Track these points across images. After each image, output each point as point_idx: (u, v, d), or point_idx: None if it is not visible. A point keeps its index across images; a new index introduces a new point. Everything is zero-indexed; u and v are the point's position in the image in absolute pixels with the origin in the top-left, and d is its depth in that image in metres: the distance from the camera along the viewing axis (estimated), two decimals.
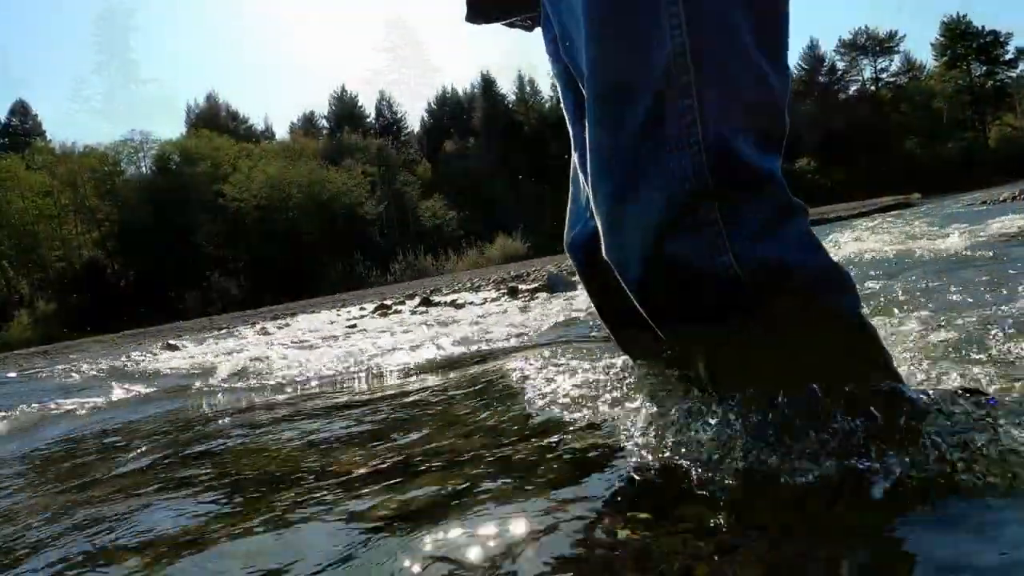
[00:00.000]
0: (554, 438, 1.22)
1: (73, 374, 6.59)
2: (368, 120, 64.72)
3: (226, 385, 3.50)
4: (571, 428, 1.26)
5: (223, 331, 12.04)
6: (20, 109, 62.23)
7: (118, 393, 3.75)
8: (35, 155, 57.38)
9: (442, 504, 0.94)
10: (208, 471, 1.47)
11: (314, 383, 2.89)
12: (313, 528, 0.94)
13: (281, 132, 66.31)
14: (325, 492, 1.10)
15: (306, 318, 12.07)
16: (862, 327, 0.87)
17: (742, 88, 0.82)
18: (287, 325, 10.71)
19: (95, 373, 6.24)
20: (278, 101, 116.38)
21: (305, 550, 0.87)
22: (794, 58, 69.39)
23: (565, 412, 1.37)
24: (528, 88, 65.94)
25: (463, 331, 4.39)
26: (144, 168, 59.36)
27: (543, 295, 7.63)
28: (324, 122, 65.19)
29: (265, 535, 0.94)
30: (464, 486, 1.01)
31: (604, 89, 0.86)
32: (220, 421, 2.20)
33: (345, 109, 64.13)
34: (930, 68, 60.22)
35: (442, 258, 46.25)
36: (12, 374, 8.92)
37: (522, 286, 10.05)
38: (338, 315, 11.00)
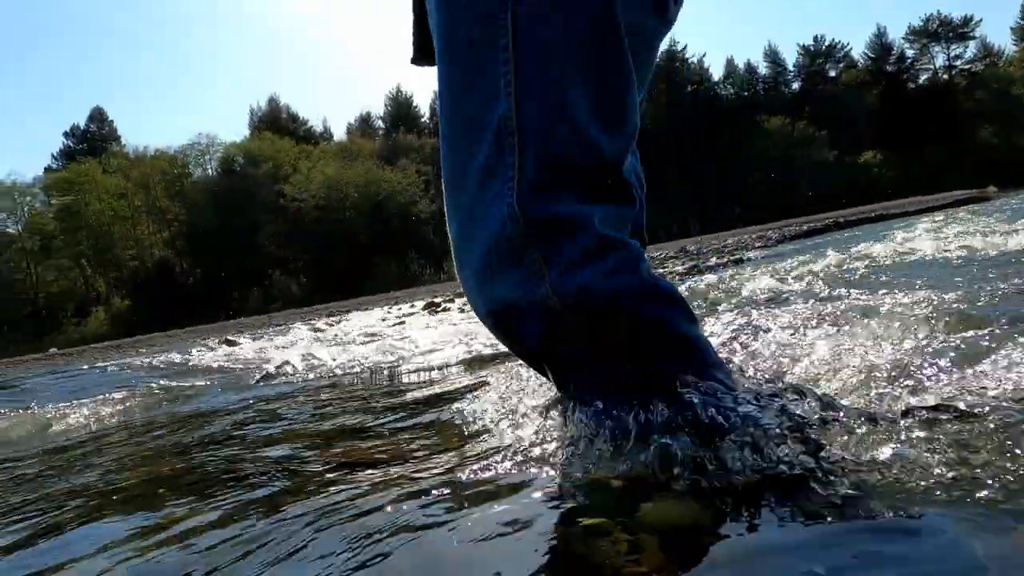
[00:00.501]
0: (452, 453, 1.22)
1: (126, 368, 6.91)
2: (423, 120, 65.63)
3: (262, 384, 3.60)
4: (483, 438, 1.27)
5: (280, 327, 12.42)
6: (97, 115, 65.72)
7: (162, 384, 3.91)
8: (111, 159, 60.59)
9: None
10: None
11: (334, 377, 2.95)
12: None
13: (339, 133, 68.00)
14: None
15: (359, 315, 12.34)
16: (689, 339, 0.96)
17: (563, 154, 0.91)
18: (339, 322, 10.96)
19: (158, 365, 6.54)
20: (336, 103, 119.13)
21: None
22: (859, 47, 66.68)
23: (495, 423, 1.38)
24: None
25: None
26: (210, 170, 61.90)
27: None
28: (380, 123, 66.49)
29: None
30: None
31: (451, 140, 0.98)
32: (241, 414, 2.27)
33: (400, 109, 65.21)
34: (1009, 54, 57.00)
35: None
36: (84, 366, 9.44)
37: None
38: (388, 312, 11.19)
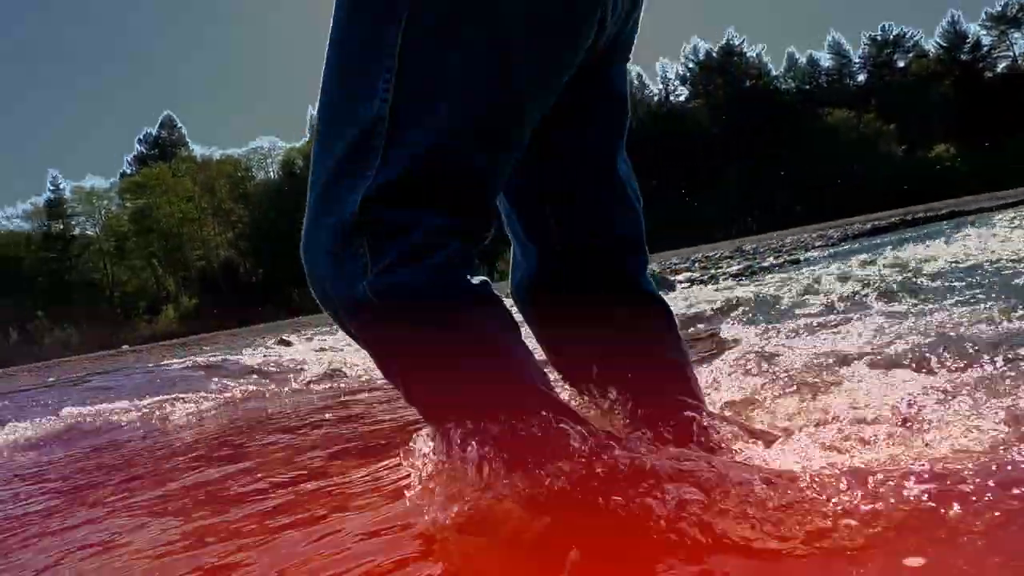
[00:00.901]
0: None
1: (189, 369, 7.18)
2: None
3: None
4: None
5: (334, 327, 12.67)
6: (168, 122, 68.77)
7: (209, 389, 4.03)
8: (180, 164, 63.39)
9: None
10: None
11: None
12: None
13: None
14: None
15: None
16: (506, 352, 0.98)
17: (420, 166, 0.93)
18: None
19: (218, 364, 6.78)
20: None
21: None
22: (932, 36, 63.62)
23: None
24: (636, 83, 64.79)
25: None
26: (272, 173, 63.97)
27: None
28: None
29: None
30: None
31: (322, 128, 1.00)
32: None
33: None
34: None
35: None
36: (150, 365, 9.88)
37: None
38: None
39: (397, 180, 0.92)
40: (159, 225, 60.56)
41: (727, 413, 1.27)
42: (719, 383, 1.46)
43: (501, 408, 0.94)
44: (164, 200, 60.34)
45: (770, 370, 1.56)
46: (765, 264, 9.47)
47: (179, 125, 68.87)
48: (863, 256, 6.80)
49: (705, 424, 1.05)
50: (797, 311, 3.22)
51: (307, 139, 64.33)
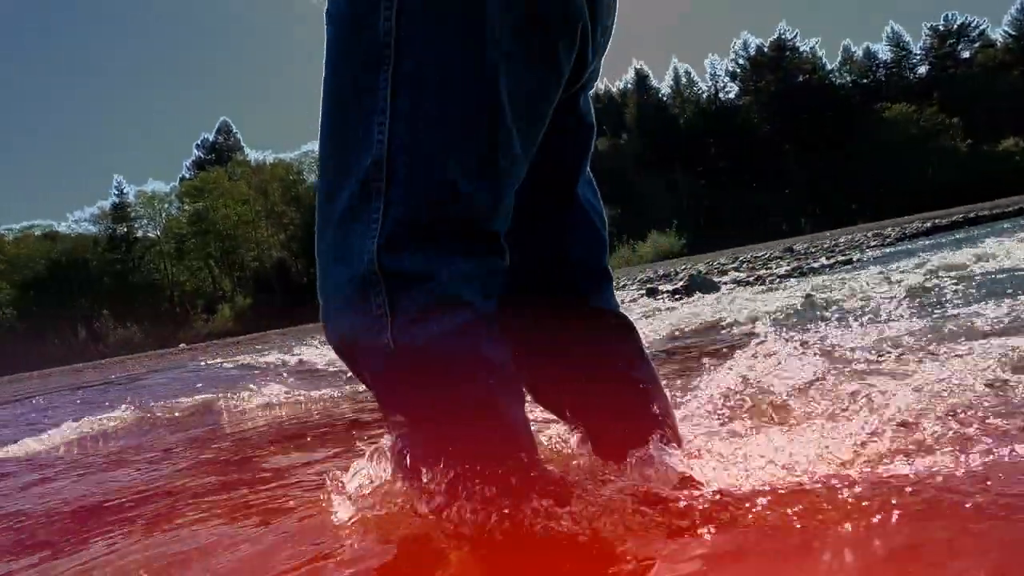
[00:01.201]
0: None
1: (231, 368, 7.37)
2: None
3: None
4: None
5: None
6: (224, 128, 71.13)
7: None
8: (236, 168, 65.53)
9: None
10: None
11: None
12: None
13: None
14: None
15: None
16: (504, 418, 0.99)
17: (428, 206, 0.95)
18: None
19: (272, 364, 6.96)
20: None
21: None
22: (999, 24, 60.65)
23: None
24: (684, 80, 63.81)
25: None
26: None
27: (681, 297, 7.31)
28: None
29: None
30: None
31: (325, 175, 1.02)
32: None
33: None
34: None
35: None
36: (201, 362, 10.21)
37: (664, 286, 9.74)
38: None
39: (405, 225, 0.94)
40: (215, 227, 62.69)
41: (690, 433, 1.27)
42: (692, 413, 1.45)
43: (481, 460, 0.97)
44: (221, 203, 62.43)
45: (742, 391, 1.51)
46: (815, 265, 9.18)
47: (235, 131, 71.15)
48: (918, 257, 6.51)
49: (652, 452, 1.06)
50: (836, 314, 3.11)
51: None
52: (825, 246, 14.10)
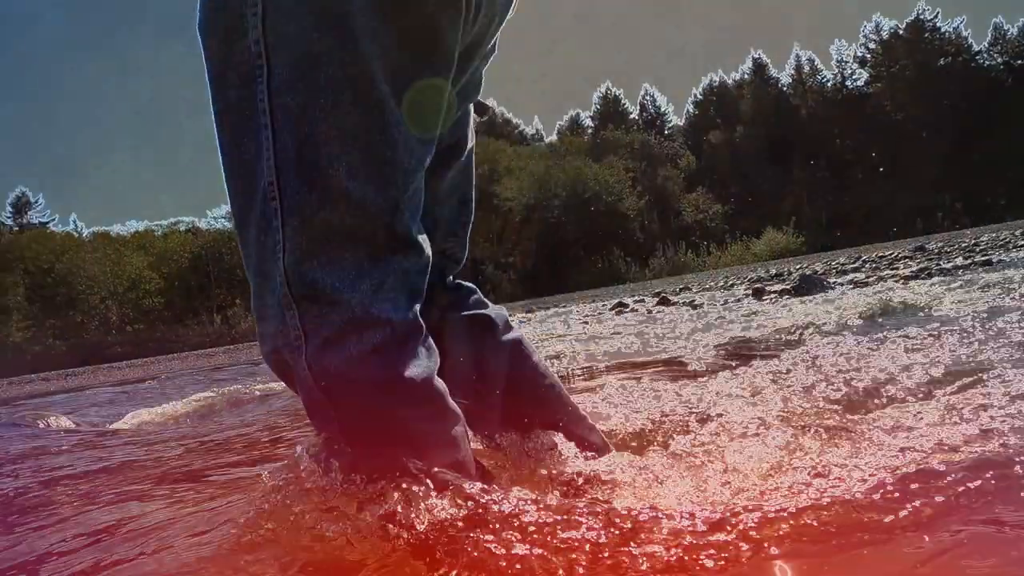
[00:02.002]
0: None
1: None
2: (631, 116, 65.01)
3: None
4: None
5: None
6: None
7: None
8: None
9: None
10: None
11: None
12: None
13: (550, 135, 69.95)
14: None
15: (552, 312, 12.54)
16: (430, 435, 0.96)
17: (318, 219, 0.91)
18: (529, 321, 11.23)
19: None
20: (547, 105, 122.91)
21: None
22: None
23: None
24: (807, 68, 60.13)
25: (637, 340, 4.15)
26: None
27: (788, 298, 6.87)
28: (589, 121, 67.18)
29: None
30: None
31: (232, 196, 0.98)
32: None
33: (609, 107, 65.26)
34: None
35: (703, 253, 44.61)
36: None
37: (772, 286, 9.22)
38: (577, 311, 11.21)
39: (304, 242, 0.90)
40: None
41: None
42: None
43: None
44: None
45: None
46: (947, 265, 8.33)
47: None
48: None
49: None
50: (941, 322, 2.76)
51: None
52: (963, 245, 12.79)
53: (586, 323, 7.94)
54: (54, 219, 56.66)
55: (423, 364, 0.95)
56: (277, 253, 0.92)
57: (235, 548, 0.99)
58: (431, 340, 0.99)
